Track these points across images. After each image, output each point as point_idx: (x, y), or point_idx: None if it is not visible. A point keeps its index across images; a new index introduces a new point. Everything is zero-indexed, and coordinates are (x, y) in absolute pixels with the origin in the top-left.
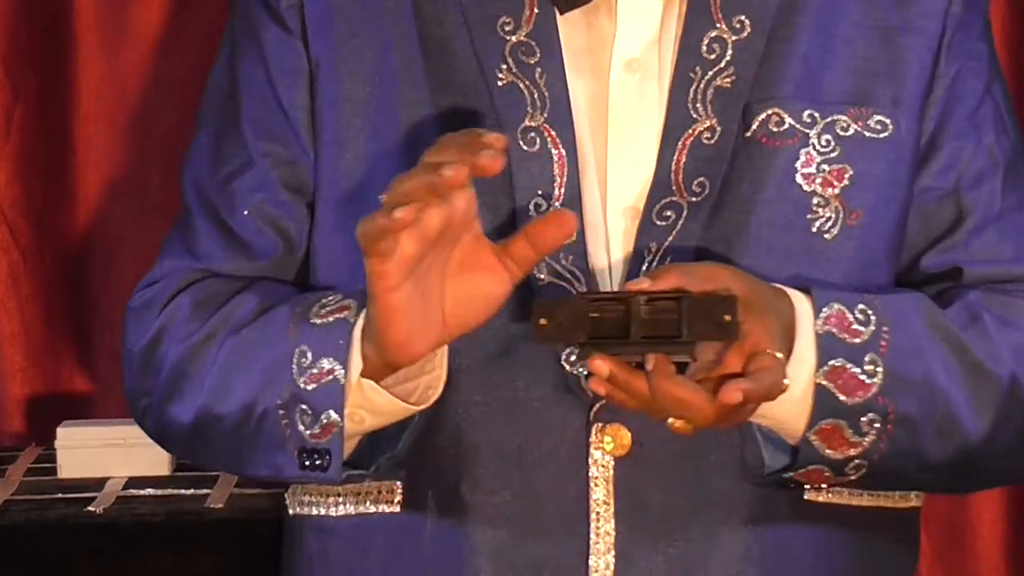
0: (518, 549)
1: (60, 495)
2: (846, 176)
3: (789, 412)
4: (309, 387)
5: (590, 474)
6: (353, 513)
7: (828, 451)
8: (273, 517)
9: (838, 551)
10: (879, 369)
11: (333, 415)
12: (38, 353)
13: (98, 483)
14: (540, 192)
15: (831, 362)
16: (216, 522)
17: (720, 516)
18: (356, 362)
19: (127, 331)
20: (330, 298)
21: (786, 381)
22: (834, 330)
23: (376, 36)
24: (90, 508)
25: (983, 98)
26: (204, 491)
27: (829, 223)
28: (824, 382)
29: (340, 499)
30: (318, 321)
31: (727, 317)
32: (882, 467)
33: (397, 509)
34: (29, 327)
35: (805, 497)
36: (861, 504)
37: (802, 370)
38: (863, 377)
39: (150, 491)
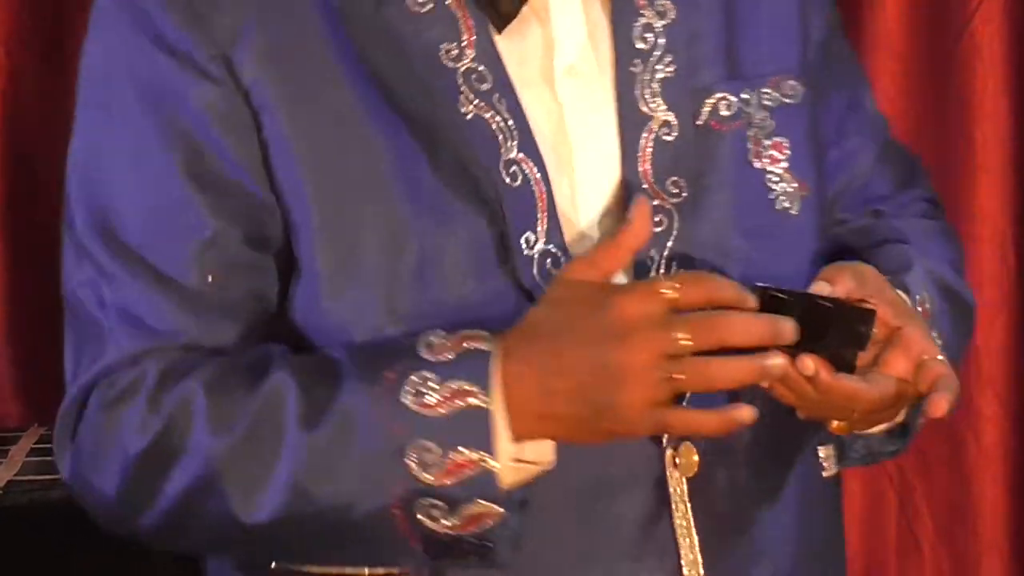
0: None
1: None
2: (785, 147)
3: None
4: (444, 482)
5: (672, 499)
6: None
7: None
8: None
9: (833, 522)
10: (936, 334)
11: (488, 505)
12: (40, 333)
13: None
14: (528, 226)
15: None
16: None
17: (778, 513)
18: (507, 448)
19: (95, 431)
20: (419, 374)
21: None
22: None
23: (324, 75)
24: None
25: (829, 48)
26: None
27: (789, 199)
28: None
29: None
30: (431, 413)
31: (863, 328)
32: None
33: None
34: (30, 305)
35: (824, 476)
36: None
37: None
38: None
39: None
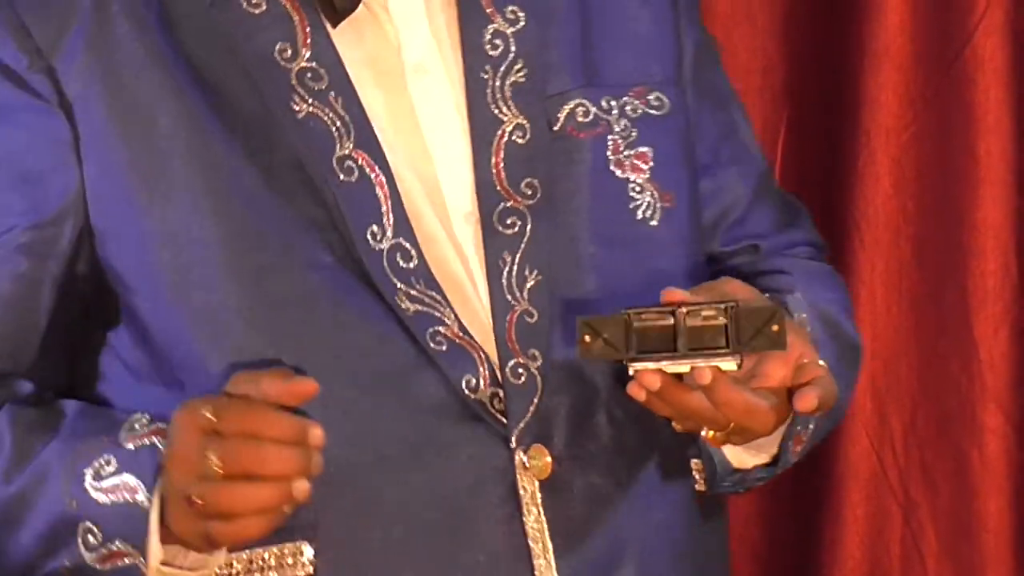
0: None
1: None
2: (649, 158)
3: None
4: (103, 567)
5: (521, 502)
6: None
7: (795, 450)
8: None
9: (713, 536)
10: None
11: None
12: None
13: None
14: (372, 220)
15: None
16: None
17: (644, 519)
18: (156, 551)
19: None
20: (103, 461)
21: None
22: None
23: (150, 89)
24: None
25: (712, 66)
26: None
27: (650, 209)
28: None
29: (227, 570)
30: (101, 498)
31: (775, 328)
32: (812, 441)
33: (311, 570)
34: None
35: (696, 490)
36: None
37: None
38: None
39: None
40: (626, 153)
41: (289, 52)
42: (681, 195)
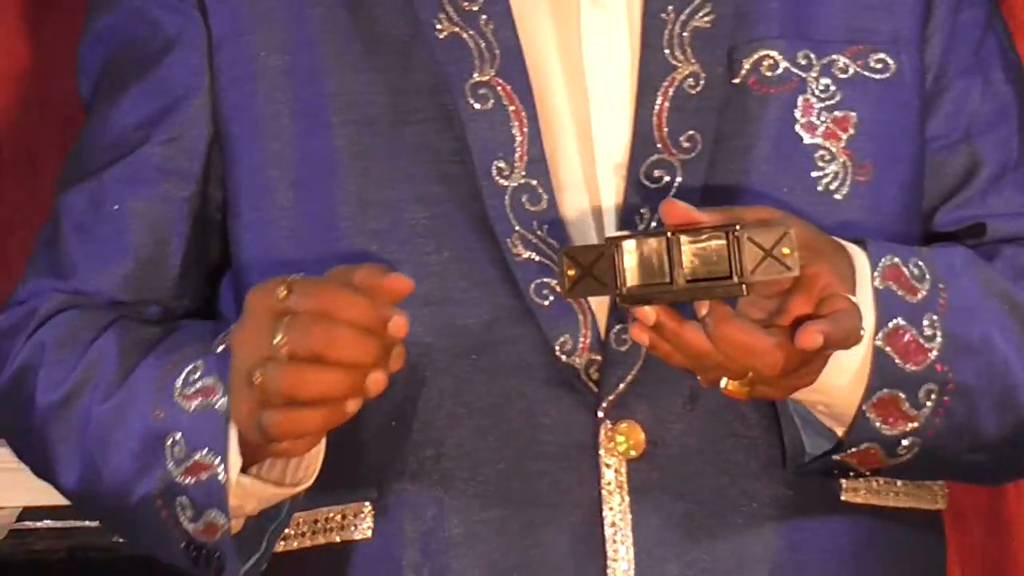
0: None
1: None
2: (851, 124)
3: (844, 382)
4: (188, 480)
5: (603, 480)
6: (310, 546)
7: (884, 427)
8: None
9: (876, 551)
10: (938, 332)
11: (218, 516)
12: None
13: None
14: (501, 155)
15: (891, 322)
16: (125, 558)
17: (748, 520)
18: (235, 460)
19: None
20: (192, 367)
21: (862, 330)
22: (893, 285)
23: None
24: None
25: (984, 36)
26: None
27: (837, 180)
28: (884, 346)
29: (293, 531)
30: (185, 405)
31: (785, 251)
32: (935, 446)
33: (369, 535)
34: None
35: (842, 498)
36: (898, 506)
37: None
38: (922, 340)
39: (48, 523)
40: (821, 116)
41: None
42: (883, 169)
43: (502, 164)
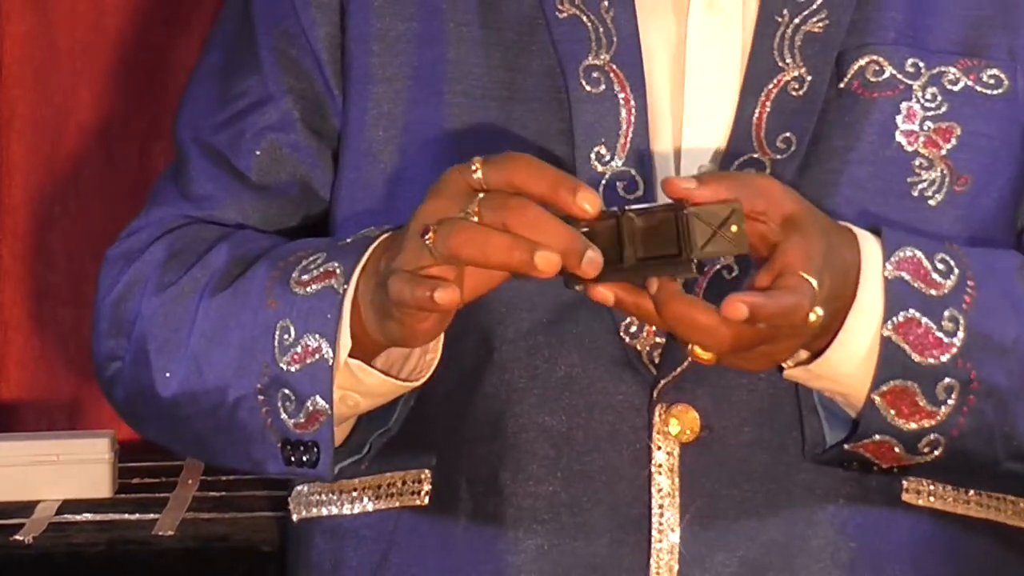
0: (566, 550)
1: None
2: (954, 136)
3: (852, 369)
4: (292, 368)
5: (653, 462)
6: (372, 510)
7: (897, 419)
8: (230, 545)
9: (938, 555)
10: (960, 327)
11: (320, 402)
12: None
13: (26, 507)
14: (603, 140)
15: (902, 313)
16: (165, 552)
17: (803, 512)
18: (345, 341)
19: (100, 282)
20: (313, 258)
21: (817, 313)
22: (907, 276)
23: None
24: (17, 537)
25: None
26: (151, 516)
27: (933, 187)
28: (892, 335)
29: (356, 494)
30: (300, 291)
31: (734, 228)
32: (962, 447)
33: (426, 502)
34: None
35: (903, 498)
36: (968, 514)
37: (867, 321)
38: (940, 335)
39: (88, 516)
40: (925, 124)
41: None
42: (982, 184)
43: (603, 150)
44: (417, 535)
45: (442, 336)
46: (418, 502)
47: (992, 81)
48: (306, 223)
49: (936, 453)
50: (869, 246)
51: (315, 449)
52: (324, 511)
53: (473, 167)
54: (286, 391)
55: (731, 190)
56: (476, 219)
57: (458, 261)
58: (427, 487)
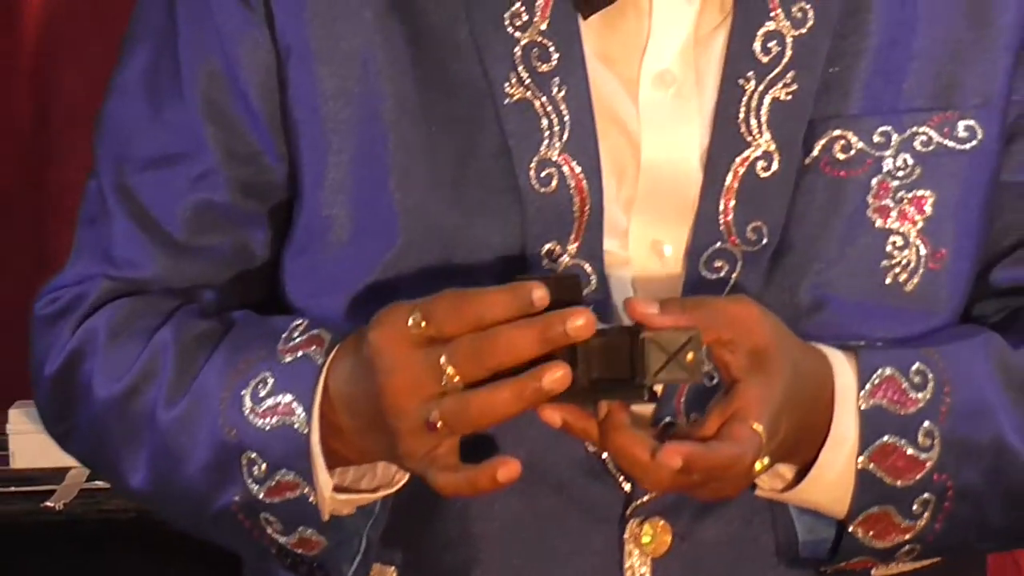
0: None
1: (12, 488)
2: (928, 204)
3: (826, 499)
4: (271, 500)
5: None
6: None
7: (875, 540)
8: None
9: None
10: (936, 441)
11: (313, 534)
12: None
13: (57, 474)
14: (555, 237)
15: (878, 441)
16: None
17: None
18: (325, 480)
19: (34, 344)
20: (260, 381)
21: (763, 462)
22: (883, 403)
23: (355, 27)
24: (48, 503)
25: None
26: None
27: (908, 270)
28: (869, 466)
29: None
30: (259, 423)
31: (690, 356)
32: (937, 545)
33: None
34: None
35: (873, 573)
36: (932, 562)
37: (841, 453)
38: (917, 453)
39: None
40: (898, 196)
41: (522, 19)
42: (958, 253)
43: (554, 246)
44: None
45: None
46: None
47: (965, 134)
48: (241, 277)
49: (911, 557)
50: (843, 374)
51: (319, 567)
52: None
53: (410, 319)
54: (268, 515)
55: (696, 320)
56: (458, 379)
57: (477, 429)
58: None
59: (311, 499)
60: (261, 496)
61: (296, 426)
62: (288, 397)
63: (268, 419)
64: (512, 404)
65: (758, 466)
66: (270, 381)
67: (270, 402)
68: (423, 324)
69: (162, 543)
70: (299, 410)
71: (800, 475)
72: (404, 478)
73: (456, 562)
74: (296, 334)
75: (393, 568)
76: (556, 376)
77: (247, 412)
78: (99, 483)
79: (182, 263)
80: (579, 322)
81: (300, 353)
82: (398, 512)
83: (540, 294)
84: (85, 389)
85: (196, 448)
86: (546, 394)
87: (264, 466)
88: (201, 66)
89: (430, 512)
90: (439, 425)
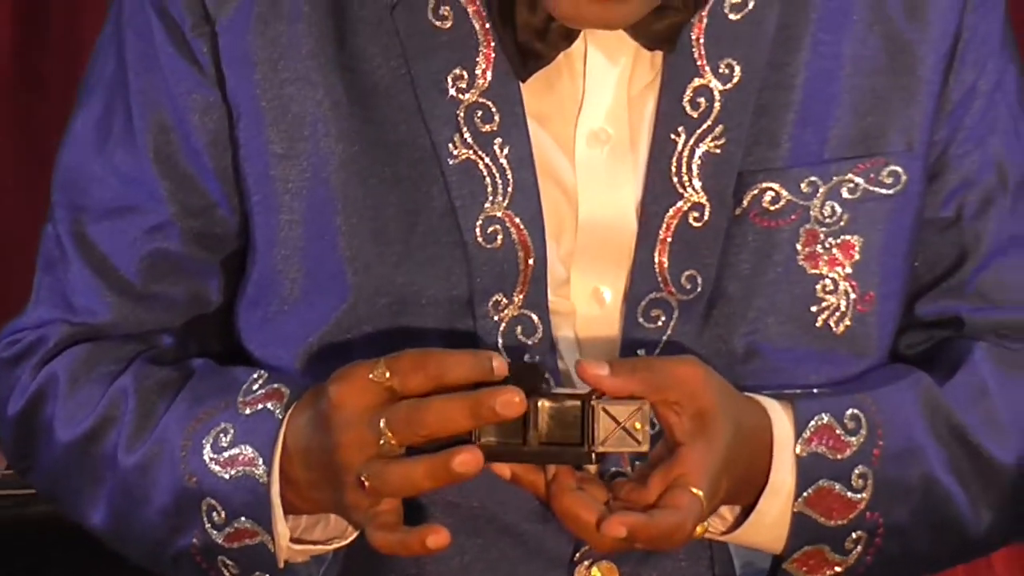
0: None
1: None
2: (855, 250)
3: (764, 538)
4: (230, 545)
5: None
6: None
7: (809, 575)
8: None
9: None
10: (868, 483)
11: None
12: None
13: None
14: (501, 290)
15: (813, 486)
16: None
17: None
18: (284, 531)
19: None
20: (221, 431)
21: (704, 527)
22: (819, 449)
23: (301, 87)
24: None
25: (990, 101)
26: None
27: (837, 314)
28: (804, 510)
29: None
30: (220, 471)
31: (637, 425)
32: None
33: None
34: None
35: None
36: None
37: (779, 499)
38: (850, 495)
39: None
40: (827, 243)
41: (465, 81)
42: (885, 295)
43: (501, 297)
44: None
45: None
46: None
47: (890, 180)
48: (198, 321)
49: None
50: (781, 424)
51: None
52: None
53: (373, 377)
54: (225, 559)
55: (644, 383)
56: (394, 442)
57: (396, 495)
58: None
59: (269, 546)
60: (220, 541)
61: (257, 477)
62: (249, 449)
63: (229, 469)
64: (426, 480)
65: (699, 530)
66: (231, 432)
67: (231, 452)
68: (387, 375)
69: None
70: (260, 462)
71: (741, 518)
72: (355, 531)
73: None
74: (256, 387)
75: None
76: (465, 459)
77: (208, 461)
78: None
79: (139, 310)
80: (512, 400)
81: (260, 406)
82: (353, 555)
83: (498, 363)
84: (47, 432)
85: (157, 493)
86: (458, 476)
87: (224, 514)
88: (152, 117)
89: (385, 556)
90: (367, 485)
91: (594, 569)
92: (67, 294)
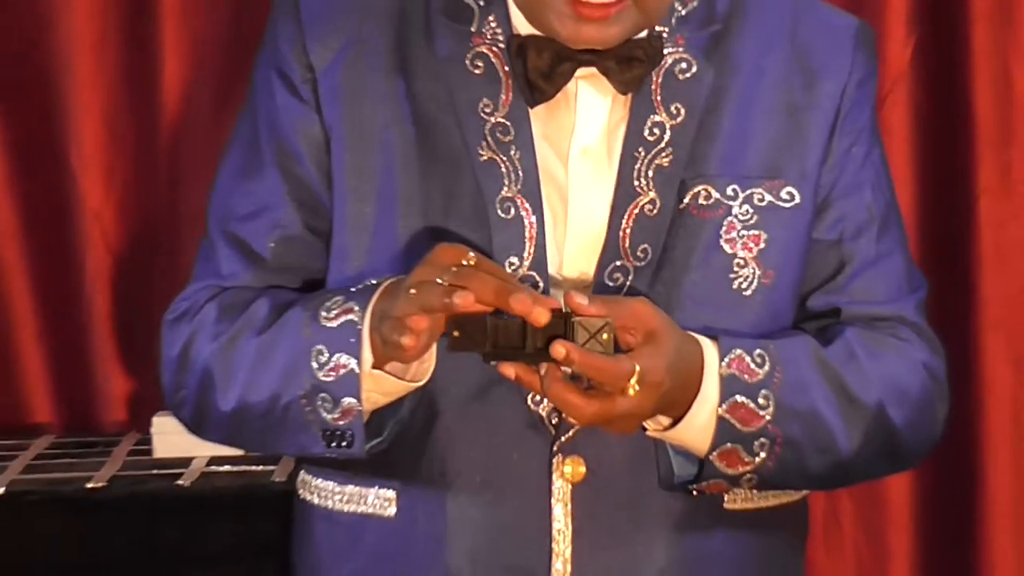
0: (492, 556)
1: (155, 471)
2: (762, 240)
3: (695, 437)
4: (328, 378)
5: (552, 496)
6: (354, 512)
7: (727, 469)
8: None
9: (753, 548)
10: (771, 403)
11: (352, 401)
12: (139, 350)
13: (186, 461)
14: (514, 252)
15: (731, 398)
16: (280, 493)
17: (654, 528)
18: (367, 357)
19: (164, 340)
20: (335, 299)
21: (634, 388)
22: (736, 372)
23: (377, 111)
24: (179, 482)
25: (864, 163)
26: (270, 467)
27: (747, 282)
28: (726, 415)
29: (343, 498)
30: (328, 324)
31: (605, 336)
32: (770, 479)
33: (392, 513)
34: (127, 326)
35: (724, 506)
36: (769, 505)
37: (707, 406)
38: (757, 410)
39: (228, 467)
40: (741, 232)
41: (490, 108)
42: (782, 275)
43: (514, 259)
44: (385, 533)
45: (435, 348)
46: (386, 513)
47: (787, 197)
48: (307, 289)
49: (753, 485)
50: (709, 352)
51: (350, 434)
52: (320, 502)
53: (469, 255)
54: (324, 395)
55: (609, 309)
56: (446, 280)
57: (427, 310)
58: (394, 507)
59: (356, 369)
60: (322, 376)
61: (354, 319)
62: (351, 303)
63: (335, 321)
64: (433, 297)
65: (631, 392)
66: (340, 299)
67: (338, 309)
68: (472, 261)
69: (258, 508)
70: (356, 308)
71: (675, 422)
72: (428, 373)
73: (437, 488)
74: (373, 280)
75: (392, 491)
76: (461, 295)
77: (321, 319)
78: (214, 467)
79: (269, 276)
80: (543, 311)
81: (361, 285)
82: (397, 456)
83: (521, 296)
84: (197, 355)
85: (280, 354)
86: (452, 307)
87: (327, 353)
88: (275, 140)
89: (419, 453)
90: (412, 292)
91: (567, 460)
92: (217, 268)
